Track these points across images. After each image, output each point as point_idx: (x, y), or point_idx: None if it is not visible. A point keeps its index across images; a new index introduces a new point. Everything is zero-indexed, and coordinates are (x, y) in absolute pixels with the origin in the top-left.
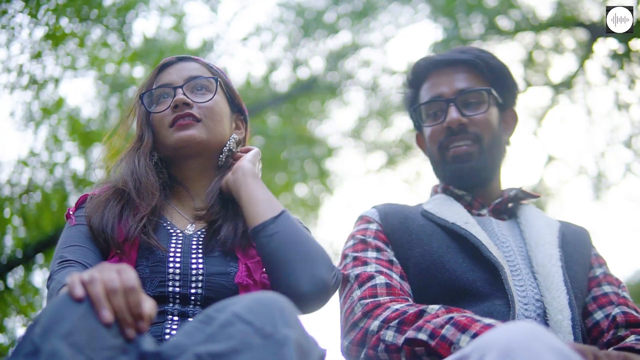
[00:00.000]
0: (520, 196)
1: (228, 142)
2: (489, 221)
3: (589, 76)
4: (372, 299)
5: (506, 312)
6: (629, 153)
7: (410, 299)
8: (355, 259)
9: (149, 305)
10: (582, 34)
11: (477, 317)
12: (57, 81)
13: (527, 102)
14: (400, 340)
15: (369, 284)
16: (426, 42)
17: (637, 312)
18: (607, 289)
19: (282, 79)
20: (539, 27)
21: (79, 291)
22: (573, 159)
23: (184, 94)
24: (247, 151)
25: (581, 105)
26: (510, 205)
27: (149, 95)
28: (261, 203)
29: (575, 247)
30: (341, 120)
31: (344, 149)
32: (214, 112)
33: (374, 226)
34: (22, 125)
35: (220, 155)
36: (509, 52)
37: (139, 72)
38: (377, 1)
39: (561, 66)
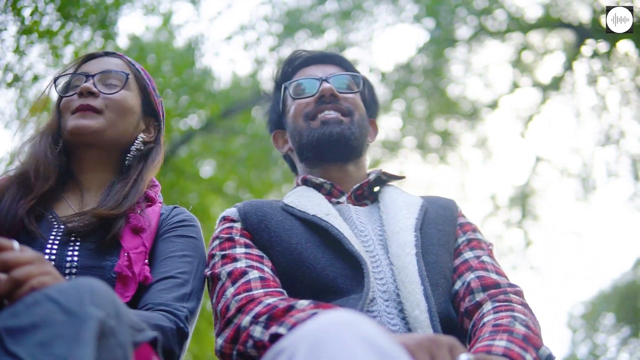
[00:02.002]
0: (384, 179)
1: (136, 142)
2: (347, 209)
3: (576, 77)
4: (246, 294)
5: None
6: (615, 154)
7: (285, 294)
8: (224, 256)
9: None
10: (570, 36)
11: None
12: (36, 79)
13: (515, 103)
14: (266, 336)
15: (243, 279)
16: (412, 43)
17: (498, 274)
18: (467, 255)
19: (267, 78)
20: (527, 28)
21: None
22: (560, 160)
23: (94, 84)
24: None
25: (569, 106)
26: (376, 189)
27: (64, 81)
28: None
29: (437, 225)
30: None
31: None
32: (118, 105)
33: (238, 225)
34: (10, 123)
35: (128, 155)
36: (497, 53)
37: None
38: (363, 1)
39: (549, 68)
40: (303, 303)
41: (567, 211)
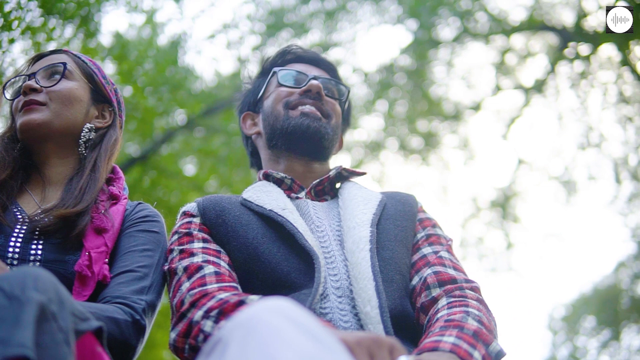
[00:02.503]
0: (345, 175)
1: (84, 130)
2: (305, 204)
3: (559, 80)
4: (200, 288)
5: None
6: (596, 157)
7: (239, 289)
8: (181, 251)
9: None
10: (553, 39)
11: None
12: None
13: (497, 106)
14: (216, 330)
15: (198, 274)
16: (396, 44)
17: (455, 269)
18: (426, 250)
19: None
20: (511, 30)
21: None
22: (542, 163)
23: (35, 81)
24: None
25: (551, 109)
26: (338, 185)
27: (13, 84)
28: None
29: (395, 220)
30: None
31: None
32: (61, 95)
33: (197, 220)
34: None
35: (80, 141)
36: (480, 55)
37: (110, 68)
38: (347, 1)
39: (532, 70)
40: (253, 298)
41: (549, 214)
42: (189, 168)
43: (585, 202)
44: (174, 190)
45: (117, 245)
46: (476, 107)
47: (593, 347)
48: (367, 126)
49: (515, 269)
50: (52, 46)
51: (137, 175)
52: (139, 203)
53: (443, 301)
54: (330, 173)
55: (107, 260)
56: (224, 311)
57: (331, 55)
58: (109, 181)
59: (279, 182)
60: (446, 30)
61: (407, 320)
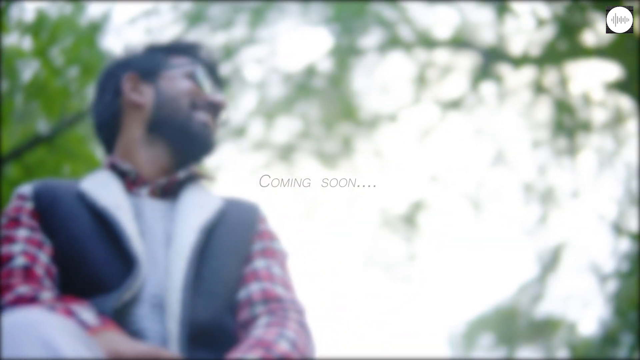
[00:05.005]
0: (195, 178)
1: None
2: (143, 203)
3: (477, 99)
4: (5, 280)
5: (124, 308)
6: (507, 177)
7: (46, 284)
8: (3, 237)
9: None
10: (475, 57)
11: (78, 310)
12: None
13: (415, 118)
14: None
15: (9, 265)
16: (318, 47)
17: (285, 287)
18: (258, 264)
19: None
20: (434, 45)
21: None
22: (454, 179)
23: None
24: None
25: (467, 126)
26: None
27: None
28: None
29: (232, 229)
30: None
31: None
32: None
33: (29, 205)
34: None
35: None
36: (401, 66)
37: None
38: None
39: (452, 86)
40: (46, 295)
41: (455, 230)
42: (100, 152)
43: (492, 222)
44: (82, 173)
45: None
46: (392, 118)
47: None
48: (282, 128)
49: (418, 281)
50: None
51: (42, 155)
52: None
53: (262, 320)
54: (180, 174)
55: None
56: (19, 307)
57: (252, 53)
58: None
59: (122, 174)
60: (368, 38)
61: (225, 337)
